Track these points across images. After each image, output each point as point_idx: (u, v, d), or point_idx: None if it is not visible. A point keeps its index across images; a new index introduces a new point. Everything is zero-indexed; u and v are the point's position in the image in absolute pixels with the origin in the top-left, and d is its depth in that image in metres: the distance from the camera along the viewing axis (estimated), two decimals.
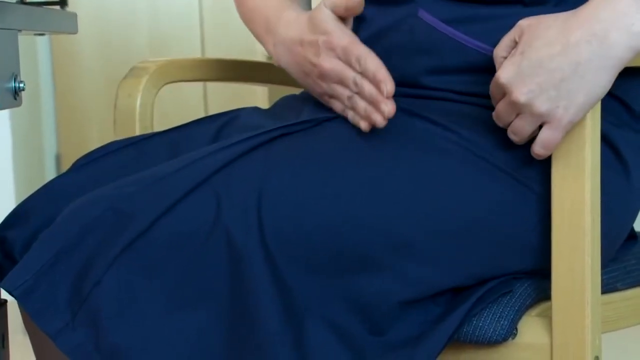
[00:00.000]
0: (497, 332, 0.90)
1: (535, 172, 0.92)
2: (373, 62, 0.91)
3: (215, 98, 2.56)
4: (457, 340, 0.92)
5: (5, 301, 0.97)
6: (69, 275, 0.85)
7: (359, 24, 1.05)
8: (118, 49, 2.60)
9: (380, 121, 0.90)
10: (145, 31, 2.59)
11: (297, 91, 1.17)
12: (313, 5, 1.13)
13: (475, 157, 0.91)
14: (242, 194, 0.86)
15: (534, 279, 0.96)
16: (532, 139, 0.88)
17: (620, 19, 0.82)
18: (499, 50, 0.89)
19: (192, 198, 0.86)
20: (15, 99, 0.93)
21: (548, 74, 0.84)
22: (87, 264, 0.84)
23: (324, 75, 0.95)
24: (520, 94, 0.85)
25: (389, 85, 0.89)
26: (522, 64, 0.85)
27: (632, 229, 1.07)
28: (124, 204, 0.86)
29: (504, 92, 0.87)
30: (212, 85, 2.53)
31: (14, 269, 0.86)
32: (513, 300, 0.92)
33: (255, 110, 1.10)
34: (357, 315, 0.87)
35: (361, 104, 0.92)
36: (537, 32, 0.85)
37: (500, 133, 0.91)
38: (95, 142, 2.54)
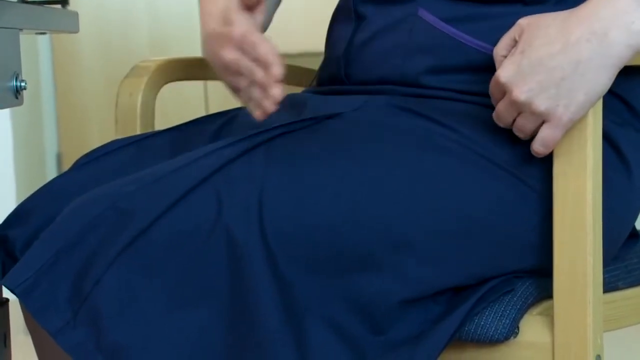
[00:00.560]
0: (498, 331, 0.90)
1: (536, 171, 0.92)
2: (264, 47, 0.89)
3: (215, 97, 2.56)
4: (458, 339, 0.92)
5: (7, 300, 0.98)
6: (70, 273, 0.85)
7: (359, 23, 1.05)
8: (119, 48, 2.60)
9: (269, 106, 0.88)
10: (146, 30, 2.59)
11: (298, 90, 1.17)
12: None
13: (476, 156, 0.91)
14: (243, 192, 0.86)
15: (536, 277, 0.95)
16: (533, 136, 0.88)
17: (620, 17, 0.82)
18: (499, 49, 0.89)
19: (193, 197, 0.86)
20: (17, 97, 0.93)
21: (548, 73, 0.84)
22: (87, 263, 0.84)
23: (226, 68, 0.94)
24: (520, 93, 0.85)
25: (276, 68, 0.87)
26: (522, 63, 0.84)
27: (634, 227, 1.07)
28: (124, 203, 0.86)
29: (504, 91, 0.87)
30: (212, 84, 2.52)
31: (15, 267, 0.86)
32: (515, 299, 0.92)
33: None
34: (358, 314, 0.86)
35: (255, 92, 0.90)
36: (537, 30, 0.85)
37: (501, 131, 0.91)
38: (96, 141, 2.54)
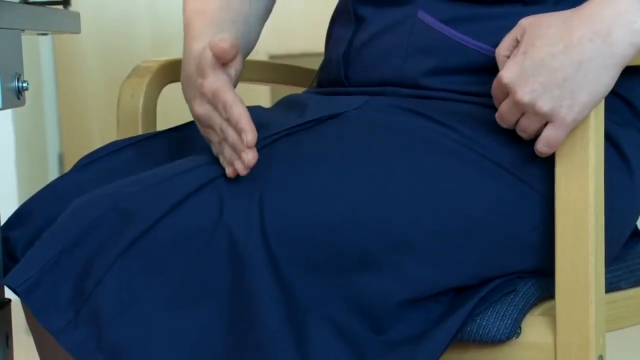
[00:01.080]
0: (500, 331, 0.90)
1: (538, 171, 0.92)
2: (237, 110, 0.86)
3: None
4: (460, 339, 0.92)
5: (9, 300, 0.98)
6: (72, 273, 0.85)
7: (359, 25, 1.04)
8: (120, 48, 2.60)
9: (241, 169, 0.85)
10: (147, 31, 2.59)
11: (299, 90, 1.17)
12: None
13: (477, 156, 0.91)
14: (245, 193, 0.86)
15: (538, 277, 0.95)
16: (535, 137, 0.88)
17: (622, 16, 0.82)
18: (501, 50, 0.89)
19: (195, 198, 0.86)
20: (19, 98, 0.93)
21: (551, 73, 0.84)
22: (89, 263, 0.85)
23: (197, 120, 0.92)
24: (523, 94, 0.85)
25: (249, 135, 0.84)
26: (524, 64, 0.84)
27: (636, 227, 1.07)
28: (126, 203, 0.86)
29: (506, 92, 0.87)
30: None
31: (17, 266, 0.86)
32: (517, 299, 0.92)
33: (258, 109, 1.10)
34: (358, 314, 0.86)
35: (227, 150, 0.88)
36: (539, 31, 0.85)
37: (502, 132, 0.91)
38: (98, 141, 2.54)
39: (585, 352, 0.87)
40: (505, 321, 0.90)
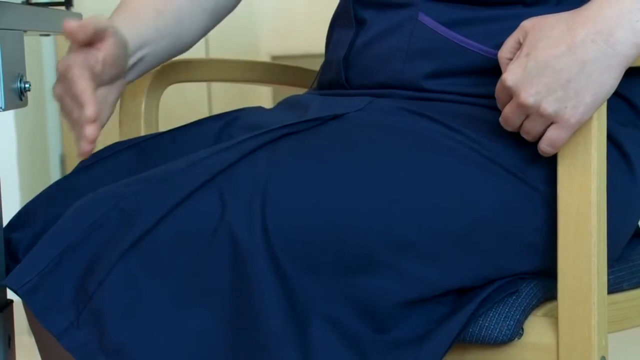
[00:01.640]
0: (503, 332, 0.90)
1: (540, 172, 0.92)
2: (80, 85, 0.85)
3: (219, 98, 2.56)
4: (462, 340, 0.91)
5: (11, 301, 0.97)
6: (74, 274, 0.85)
7: (359, 28, 1.04)
8: None
9: (84, 146, 0.84)
10: None
11: (301, 91, 1.17)
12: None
13: (479, 157, 0.91)
14: (247, 193, 0.86)
15: (540, 278, 0.95)
16: (538, 138, 0.88)
17: (624, 16, 0.82)
18: (504, 52, 0.89)
19: (197, 197, 0.86)
20: (21, 99, 0.93)
21: (555, 75, 0.83)
22: (91, 263, 0.85)
23: (58, 101, 0.91)
24: (527, 96, 0.85)
25: (89, 109, 0.84)
26: (528, 66, 0.84)
27: (638, 227, 1.07)
28: (128, 203, 0.86)
29: (510, 95, 0.87)
30: (216, 86, 2.53)
31: (18, 267, 0.86)
32: (519, 300, 0.92)
33: (259, 109, 1.10)
34: (360, 314, 0.87)
35: (75, 128, 0.88)
36: (542, 32, 0.85)
37: (504, 133, 0.91)
38: (99, 142, 2.54)
39: (588, 353, 0.87)
40: (507, 322, 0.90)
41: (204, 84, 2.54)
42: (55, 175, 2.64)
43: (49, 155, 2.66)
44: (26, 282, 0.84)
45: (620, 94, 0.98)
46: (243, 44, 2.47)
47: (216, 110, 2.52)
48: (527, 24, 0.87)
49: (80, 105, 0.85)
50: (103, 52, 0.91)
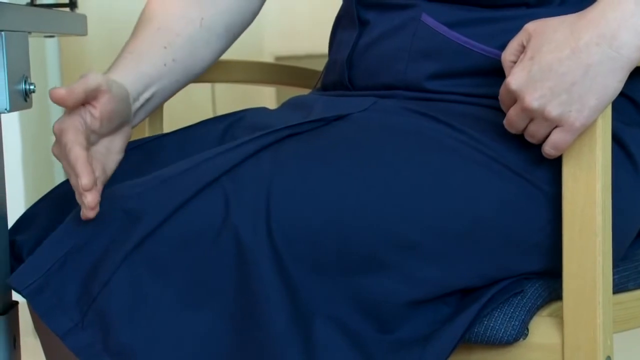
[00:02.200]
0: (508, 333, 0.90)
1: (545, 173, 0.92)
2: (73, 154, 0.84)
3: (223, 99, 2.56)
4: (467, 340, 0.91)
5: (16, 302, 0.98)
6: (79, 275, 0.85)
7: (362, 29, 1.04)
8: None
9: (86, 212, 0.84)
10: None
11: (305, 92, 1.17)
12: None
13: (483, 157, 0.91)
14: (251, 194, 0.86)
15: (545, 279, 0.95)
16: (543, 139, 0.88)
17: (627, 19, 0.82)
18: (507, 55, 0.88)
19: (201, 198, 0.86)
20: (26, 100, 0.93)
21: (559, 78, 0.83)
22: (96, 264, 0.85)
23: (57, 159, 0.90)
24: (532, 100, 0.84)
25: (84, 179, 0.82)
26: (532, 69, 0.84)
27: None
28: (133, 204, 0.86)
29: (514, 99, 0.87)
30: (220, 87, 2.53)
31: (22, 267, 0.86)
32: (524, 300, 0.92)
33: (263, 110, 1.10)
34: (365, 314, 0.87)
35: (76, 192, 0.86)
36: (545, 36, 0.85)
37: (509, 133, 0.91)
38: None
39: (593, 353, 0.87)
40: (512, 322, 0.90)
41: (208, 84, 2.55)
42: (59, 177, 2.64)
43: (53, 157, 2.66)
44: (31, 283, 0.85)
45: (626, 94, 0.97)
46: (247, 44, 2.47)
47: (220, 111, 2.52)
48: (530, 26, 0.87)
49: (75, 174, 0.84)
50: (99, 110, 0.89)
